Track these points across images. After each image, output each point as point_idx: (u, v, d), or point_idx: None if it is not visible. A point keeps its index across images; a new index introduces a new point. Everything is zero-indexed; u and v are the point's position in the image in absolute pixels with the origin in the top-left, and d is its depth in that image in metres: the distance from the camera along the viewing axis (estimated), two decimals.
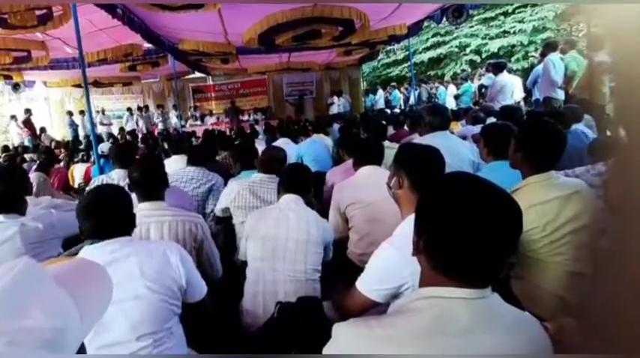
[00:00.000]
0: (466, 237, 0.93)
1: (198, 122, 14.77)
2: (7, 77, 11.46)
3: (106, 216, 1.73)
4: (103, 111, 15.08)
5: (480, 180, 1.02)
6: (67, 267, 0.77)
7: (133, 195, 2.32)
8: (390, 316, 1.08)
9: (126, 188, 3.08)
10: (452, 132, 4.04)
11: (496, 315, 0.97)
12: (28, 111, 14.17)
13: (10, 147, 10.93)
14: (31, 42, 8.03)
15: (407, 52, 16.03)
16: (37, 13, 6.13)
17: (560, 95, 6.73)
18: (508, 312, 1.00)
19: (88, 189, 3.65)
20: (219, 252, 2.56)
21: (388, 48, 19.04)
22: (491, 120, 5.39)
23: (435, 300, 0.97)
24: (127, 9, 6.13)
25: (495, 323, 0.95)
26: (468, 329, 0.92)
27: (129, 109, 15.39)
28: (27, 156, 8.53)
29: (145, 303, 1.62)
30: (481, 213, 0.93)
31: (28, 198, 2.61)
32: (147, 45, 9.41)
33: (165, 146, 7.42)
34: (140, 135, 10.88)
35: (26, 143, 12.57)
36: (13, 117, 14.32)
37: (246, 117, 15.18)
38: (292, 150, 4.99)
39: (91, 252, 1.69)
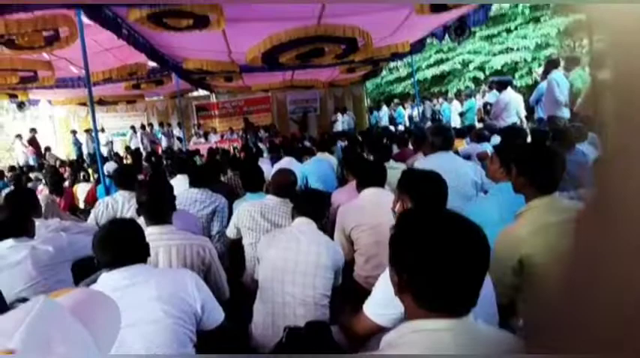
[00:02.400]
0: (447, 272, 1.01)
1: (202, 140, 14.76)
2: (12, 96, 11.53)
3: (122, 248, 1.79)
4: (134, 129, 15.26)
5: (445, 215, 1.12)
6: (78, 298, 0.80)
7: (141, 220, 2.34)
8: (383, 353, 1.12)
9: (132, 209, 3.10)
10: (457, 151, 4.04)
11: (477, 338, 1.04)
12: (33, 130, 14.38)
13: (15, 165, 11.00)
14: (38, 62, 8.11)
15: (410, 69, 16.15)
16: (45, 34, 6.19)
17: (566, 113, 6.63)
18: (488, 334, 1.09)
19: (94, 211, 3.65)
20: (225, 273, 2.56)
21: (391, 65, 19.18)
22: (496, 138, 5.39)
23: (424, 333, 1.03)
24: (132, 29, 6.19)
25: (478, 345, 1.02)
26: (455, 356, 1.00)
27: (132, 127, 15.48)
28: (32, 175, 8.58)
29: (162, 327, 1.67)
30: (457, 246, 1.02)
31: (38, 221, 2.61)
32: (151, 64, 9.51)
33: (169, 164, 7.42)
34: (144, 154, 10.92)
35: (31, 162, 12.67)
36: (18, 136, 14.53)
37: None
38: (297, 169, 4.97)
39: (109, 277, 1.74)
